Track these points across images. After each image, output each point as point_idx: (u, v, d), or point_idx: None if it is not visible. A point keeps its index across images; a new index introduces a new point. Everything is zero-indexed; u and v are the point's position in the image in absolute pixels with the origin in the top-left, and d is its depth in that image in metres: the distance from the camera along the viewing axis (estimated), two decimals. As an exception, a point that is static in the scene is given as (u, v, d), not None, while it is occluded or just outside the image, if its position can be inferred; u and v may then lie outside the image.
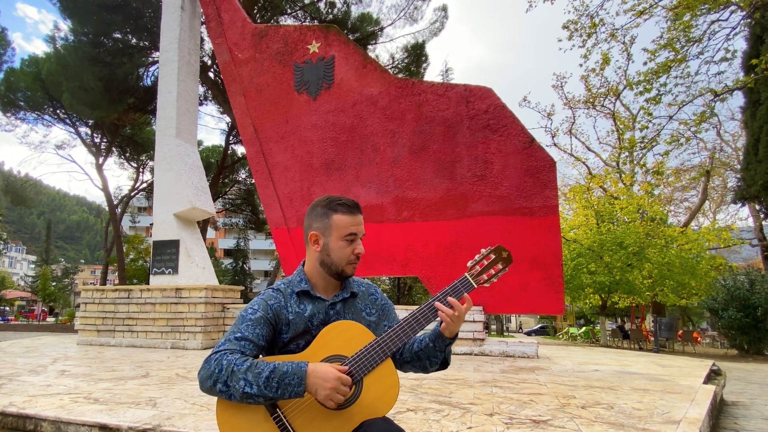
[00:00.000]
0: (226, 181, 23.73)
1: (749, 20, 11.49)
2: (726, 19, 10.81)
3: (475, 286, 1.32)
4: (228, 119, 19.85)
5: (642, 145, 12.16)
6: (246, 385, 1.13)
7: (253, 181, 14.23)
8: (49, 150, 23.41)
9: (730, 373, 7.84)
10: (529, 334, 39.09)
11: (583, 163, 23.36)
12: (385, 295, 1.47)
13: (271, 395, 1.13)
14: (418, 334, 1.34)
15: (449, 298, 1.27)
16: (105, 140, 21.96)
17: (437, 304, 1.27)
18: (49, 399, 3.14)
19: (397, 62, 18.04)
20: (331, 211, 1.32)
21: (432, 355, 1.33)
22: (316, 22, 16.54)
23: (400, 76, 14.76)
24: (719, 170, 23.39)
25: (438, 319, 1.29)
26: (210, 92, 19.01)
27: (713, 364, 6.30)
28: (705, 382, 4.61)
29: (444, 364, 1.37)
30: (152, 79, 17.74)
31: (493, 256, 1.34)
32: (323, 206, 1.34)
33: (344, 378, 1.15)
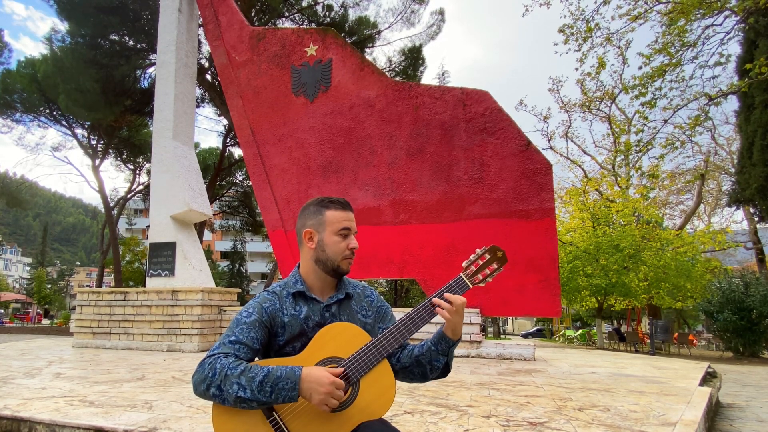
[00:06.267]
0: (223, 183, 23.68)
1: (743, 25, 11.60)
2: (720, 24, 10.92)
3: (470, 286, 1.32)
4: (225, 121, 19.83)
5: (637, 148, 12.22)
6: (239, 390, 1.12)
7: (251, 183, 14.22)
8: (45, 152, 23.31)
9: (725, 376, 7.87)
10: (525, 336, 39.11)
11: (579, 166, 23.47)
12: (381, 297, 1.48)
13: (265, 400, 1.13)
14: (415, 341, 1.34)
15: (445, 294, 1.27)
16: (101, 142, 21.90)
17: (435, 300, 1.27)
18: (44, 402, 3.12)
19: (394, 65, 18.09)
20: (323, 208, 1.35)
21: (434, 359, 1.31)
22: (313, 25, 16.58)
23: (397, 79, 14.79)
24: (714, 173, 23.55)
25: (440, 320, 1.29)
26: (207, 94, 19.00)
27: (709, 367, 6.33)
28: (701, 385, 4.62)
29: (445, 370, 1.35)
30: (149, 81, 17.73)
31: (487, 256, 1.35)
32: (315, 205, 1.37)
33: (338, 382, 1.14)
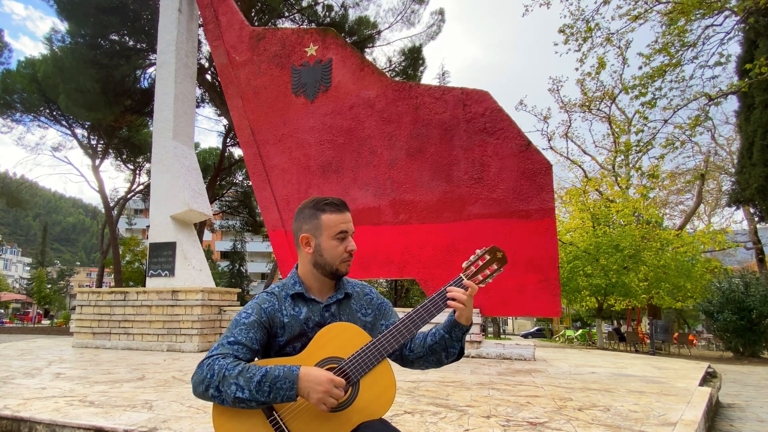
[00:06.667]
0: (223, 183, 23.69)
1: (743, 25, 11.60)
2: (720, 24, 10.93)
3: (470, 286, 1.32)
4: (225, 121, 19.84)
5: (637, 148, 12.23)
6: (237, 390, 1.12)
7: (251, 183, 14.22)
8: (45, 152, 23.33)
9: (725, 376, 7.87)
10: (525, 336, 39.12)
11: (579, 166, 23.46)
12: (380, 294, 1.47)
13: (263, 399, 1.13)
14: (419, 332, 1.34)
15: (454, 287, 1.28)
16: (101, 142, 21.91)
17: (450, 287, 1.28)
18: (43, 402, 3.12)
19: (394, 65, 18.10)
20: (319, 212, 1.32)
21: (450, 346, 1.34)
22: (313, 25, 16.58)
23: (397, 79, 14.79)
24: (714, 174, 23.54)
25: (449, 310, 1.30)
26: (207, 94, 19.00)
27: (709, 367, 6.33)
28: (701, 385, 4.62)
29: (461, 354, 1.37)
30: (149, 81, 17.74)
31: (488, 257, 1.35)
32: (310, 208, 1.34)
33: (337, 381, 1.14)
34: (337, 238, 1.31)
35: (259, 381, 1.13)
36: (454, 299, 1.27)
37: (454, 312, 1.30)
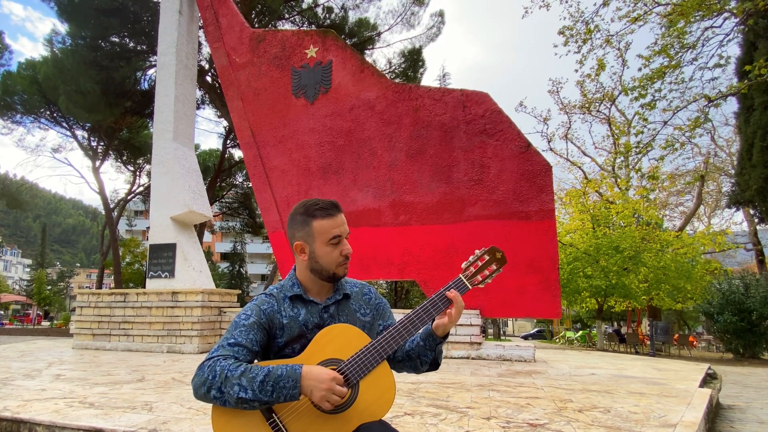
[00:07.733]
0: (223, 184, 23.71)
1: (743, 27, 11.62)
2: (720, 26, 10.95)
3: (470, 287, 1.32)
4: (225, 123, 19.86)
5: (637, 150, 12.25)
6: (240, 390, 1.12)
7: (251, 184, 14.23)
8: (45, 153, 23.36)
9: (725, 377, 7.86)
10: (525, 338, 39.08)
11: (579, 167, 23.47)
12: (379, 294, 1.48)
13: (267, 399, 1.13)
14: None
15: (448, 293, 1.28)
16: (102, 143, 21.93)
17: (450, 291, 1.28)
18: (43, 403, 3.12)
19: (394, 67, 18.13)
20: (310, 218, 1.30)
21: (422, 354, 1.34)
22: (313, 27, 16.61)
23: (397, 80, 14.81)
24: (714, 175, 23.55)
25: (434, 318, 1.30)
26: (207, 96, 19.03)
27: (709, 368, 6.32)
28: (701, 386, 4.62)
29: (434, 365, 1.37)
30: (149, 82, 17.77)
31: (487, 257, 1.35)
32: (301, 214, 1.32)
33: (338, 378, 1.15)
34: (330, 244, 1.30)
35: (262, 380, 1.13)
36: (456, 297, 1.28)
37: (433, 321, 1.30)
